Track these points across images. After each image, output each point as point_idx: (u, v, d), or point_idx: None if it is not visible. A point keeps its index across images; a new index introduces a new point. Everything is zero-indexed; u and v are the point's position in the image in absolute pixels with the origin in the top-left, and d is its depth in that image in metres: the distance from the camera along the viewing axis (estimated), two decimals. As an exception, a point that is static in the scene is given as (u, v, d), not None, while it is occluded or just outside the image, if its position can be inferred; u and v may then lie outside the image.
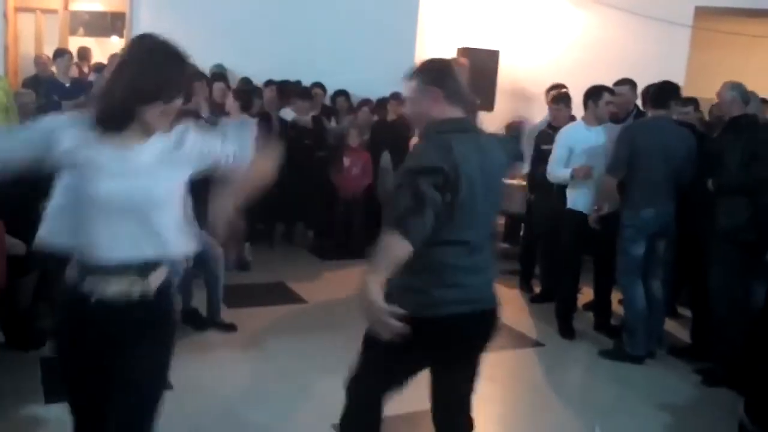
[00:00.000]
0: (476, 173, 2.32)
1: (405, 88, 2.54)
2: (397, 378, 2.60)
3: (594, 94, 4.94)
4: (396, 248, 2.16)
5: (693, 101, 5.55)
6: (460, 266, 2.37)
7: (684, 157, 4.54)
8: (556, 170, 5.01)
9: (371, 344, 2.44)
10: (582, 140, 4.90)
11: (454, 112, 2.42)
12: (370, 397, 2.67)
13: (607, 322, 5.15)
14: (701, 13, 8.37)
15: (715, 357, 4.45)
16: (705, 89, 5.43)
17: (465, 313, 2.37)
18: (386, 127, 7.22)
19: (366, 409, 2.69)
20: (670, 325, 5.18)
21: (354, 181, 6.94)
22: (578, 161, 4.87)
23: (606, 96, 4.90)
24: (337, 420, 3.56)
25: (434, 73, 2.50)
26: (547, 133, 5.61)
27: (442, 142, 2.33)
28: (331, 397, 3.86)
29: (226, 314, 4.78)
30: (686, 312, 5.35)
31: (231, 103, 5.95)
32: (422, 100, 2.44)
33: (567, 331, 5.09)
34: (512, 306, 5.77)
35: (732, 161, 4.32)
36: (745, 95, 4.53)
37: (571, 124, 5.18)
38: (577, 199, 4.96)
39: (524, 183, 6.85)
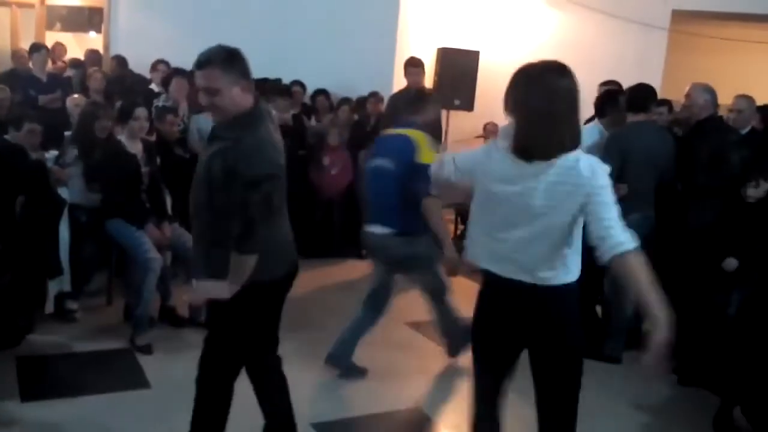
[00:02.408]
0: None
1: (205, 78, 2.57)
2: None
3: (611, 99, 4.84)
4: (249, 265, 2.53)
5: (666, 103, 5.60)
6: (287, 238, 2.83)
7: (666, 160, 4.58)
8: None
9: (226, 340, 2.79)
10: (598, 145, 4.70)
11: (251, 99, 2.63)
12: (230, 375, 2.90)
13: (592, 327, 5.09)
14: (678, 16, 8.47)
15: (689, 357, 4.51)
16: (682, 92, 5.49)
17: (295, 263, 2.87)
18: (366, 127, 7.22)
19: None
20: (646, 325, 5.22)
21: (334, 181, 6.91)
22: None
23: (622, 99, 4.80)
24: (315, 417, 3.59)
25: (238, 62, 2.64)
26: None
27: (267, 137, 2.62)
28: (308, 396, 3.88)
29: (205, 313, 4.75)
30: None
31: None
32: (235, 90, 2.57)
33: None
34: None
35: (699, 163, 4.38)
36: (715, 98, 4.58)
37: (586, 131, 4.87)
38: None
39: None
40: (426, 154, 3.77)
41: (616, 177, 4.51)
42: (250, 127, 2.57)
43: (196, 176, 2.67)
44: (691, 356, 4.49)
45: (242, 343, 2.82)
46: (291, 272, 2.85)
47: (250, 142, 2.53)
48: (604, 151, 4.57)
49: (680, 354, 4.58)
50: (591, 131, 4.84)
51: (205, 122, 5.96)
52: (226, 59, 2.59)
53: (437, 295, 4.17)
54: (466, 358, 4.71)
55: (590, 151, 4.70)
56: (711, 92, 4.53)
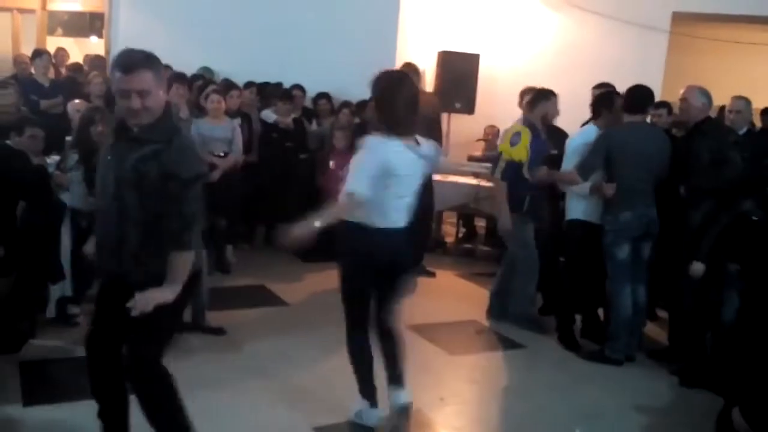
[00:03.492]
0: None
1: (138, 82, 2.59)
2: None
3: (607, 100, 4.82)
4: (188, 262, 2.66)
5: (665, 105, 5.61)
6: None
7: (661, 159, 4.60)
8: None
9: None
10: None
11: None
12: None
13: (595, 329, 5.07)
14: (678, 18, 8.47)
15: (691, 357, 4.51)
16: (682, 94, 5.52)
17: None
18: (366, 130, 7.22)
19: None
20: (648, 327, 5.23)
21: (339, 184, 6.89)
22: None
23: (618, 100, 4.77)
24: (317, 421, 3.59)
25: (160, 64, 2.70)
26: None
27: (189, 137, 2.88)
28: (311, 398, 3.89)
29: (207, 316, 4.76)
30: (664, 314, 5.41)
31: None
32: (160, 91, 2.66)
33: (571, 342, 4.97)
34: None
35: (701, 165, 4.38)
36: (711, 100, 4.59)
37: (583, 131, 4.95)
38: (581, 208, 4.82)
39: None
40: (516, 151, 4.92)
41: (607, 176, 4.54)
42: (176, 129, 2.71)
43: (118, 179, 2.65)
44: (693, 357, 4.49)
45: (167, 329, 2.87)
46: (200, 269, 2.93)
47: (183, 143, 2.69)
48: (591, 148, 4.58)
49: (682, 355, 4.60)
50: (588, 132, 4.85)
51: (205, 126, 5.98)
52: (154, 61, 2.66)
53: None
54: (466, 361, 4.75)
55: (582, 149, 4.76)
56: (707, 95, 4.55)
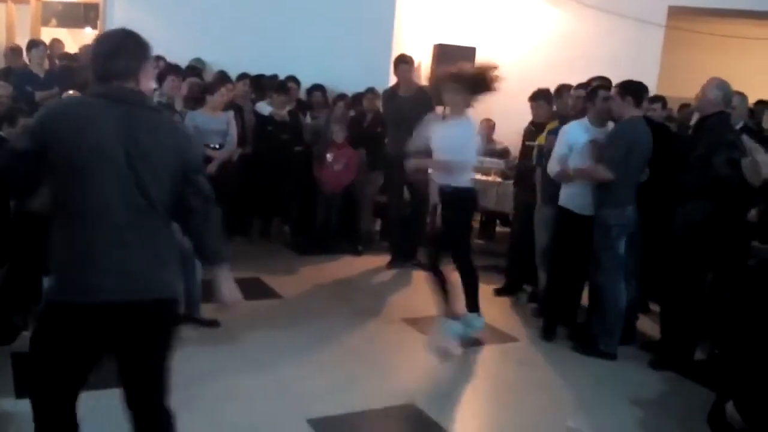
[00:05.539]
0: None
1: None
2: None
3: (589, 94, 4.85)
4: None
5: (660, 99, 5.60)
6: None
7: (650, 155, 4.62)
8: (557, 168, 4.83)
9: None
10: (582, 139, 4.74)
11: None
12: None
13: (574, 319, 5.10)
14: (674, 12, 8.47)
15: (687, 351, 4.53)
16: (677, 88, 5.50)
17: None
18: (362, 123, 7.22)
19: None
20: (640, 320, 5.24)
21: (336, 177, 6.90)
22: (578, 160, 4.73)
23: (601, 93, 4.78)
24: (310, 413, 3.60)
25: None
26: (530, 130, 5.69)
27: None
28: (304, 391, 3.90)
29: (202, 308, 4.75)
30: (656, 307, 5.42)
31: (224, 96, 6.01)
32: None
33: (548, 331, 5.02)
34: (486, 302, 5.80)
35: (694, 161, 4.38)
36: (728, 96, 4.53)
37: (573, 123, 4.95)
38: (569, 198, 4.84)
39: (499, 179, 6.93)
40: (542, 136, 5.41)
41: (620, 167, 4.54)
42: None
43: None
44: (688, 351, 4.51)
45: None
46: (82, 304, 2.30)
47: None
48: (613, 142, 4.54)
49: (679, 348, 4.61)
50: (576, 128, 4.84)
51: (201, 118, 5.96)
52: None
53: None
54: (461, 355, 4.75)
55: (564, 139, 4.76)
56: (723, 88, 4.47)
